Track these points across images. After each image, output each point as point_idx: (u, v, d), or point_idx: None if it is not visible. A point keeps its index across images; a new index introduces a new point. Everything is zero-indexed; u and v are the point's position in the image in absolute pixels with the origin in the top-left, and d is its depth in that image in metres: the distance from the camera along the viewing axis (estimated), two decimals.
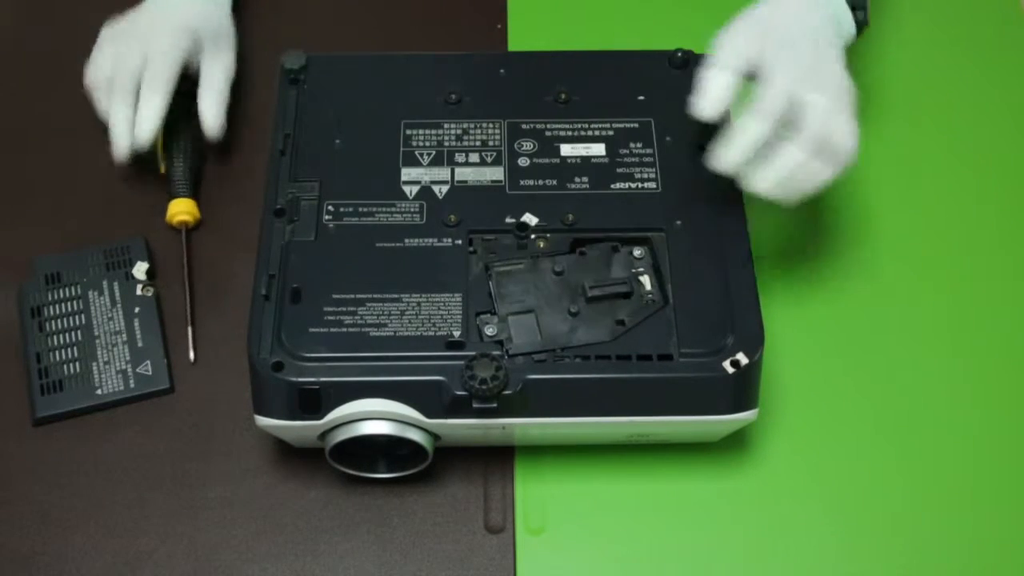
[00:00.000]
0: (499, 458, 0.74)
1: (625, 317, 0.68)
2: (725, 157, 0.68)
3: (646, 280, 0.70)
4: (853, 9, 0.75)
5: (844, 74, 0.70)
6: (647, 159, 0.75)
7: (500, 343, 0.67)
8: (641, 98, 0.77)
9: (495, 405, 0.65)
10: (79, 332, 0.78)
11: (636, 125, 0.76)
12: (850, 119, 0.68)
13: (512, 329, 0.67)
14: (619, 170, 0.74)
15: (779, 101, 0.67)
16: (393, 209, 0.72)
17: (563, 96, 0.77)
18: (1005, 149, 0.88)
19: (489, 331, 0.67)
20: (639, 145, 0.75)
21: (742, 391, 0.68)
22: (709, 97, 0.68)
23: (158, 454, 0.75)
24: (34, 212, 0.85)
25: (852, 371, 0.78)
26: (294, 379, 0.66)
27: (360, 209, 0.72)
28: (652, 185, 0.73)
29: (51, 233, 0.83)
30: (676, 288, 0.69)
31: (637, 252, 0.71)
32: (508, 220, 0.72)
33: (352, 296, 0.68)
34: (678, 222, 0.71)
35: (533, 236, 0.71)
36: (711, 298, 0.69)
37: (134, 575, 0.70)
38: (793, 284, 0.81)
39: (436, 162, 0.75)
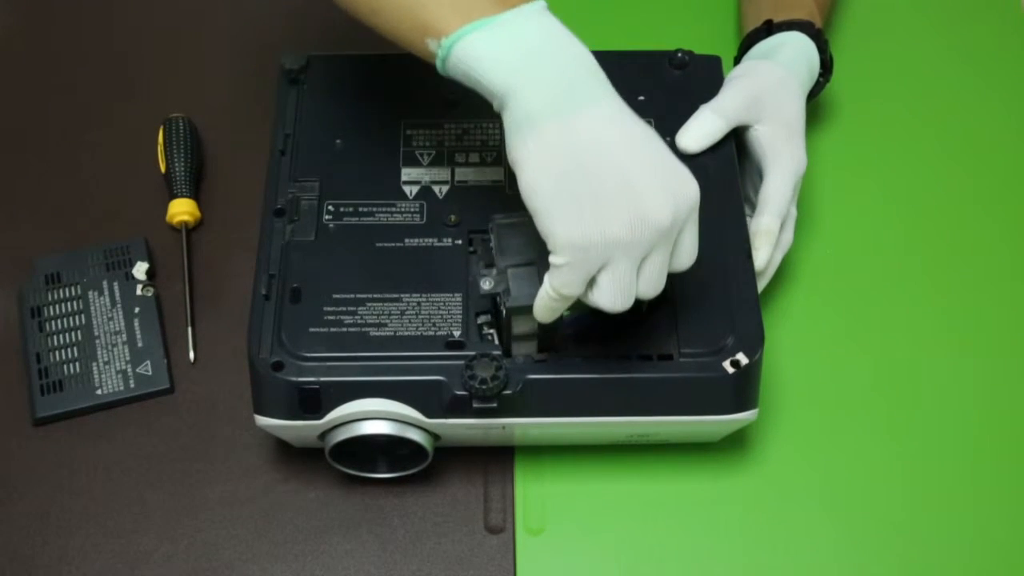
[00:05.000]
0: (499, 458, 0.74)
1: None
2: (765, 256, 0.74)
3: None
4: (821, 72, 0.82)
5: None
6: None
7: (497, 342, 0.67)
8: (641, 98, 0.77)
9: (495, 405, 0.65)
10: (79, 332, 0.78)
11: None
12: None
13: (511, 282, 0.65)
14: None
15: (786, 204, 0.75)
16: (393, 209, 0.72)
17: None
18: (1005, 149, 0.88)
19: (486, 285, 0.66)
20: None
21: (742, 391, 0.67)
22: (696, 135, 0.74)
23: (158, 454, 0.75)
24: (34, 212, 0.85)
25: (852, 371, 0.78)
26: (294, 379, 0.66)
27: (360, 209, 0.72)
28: None
29: (51, 233, 0.83)
30: (676, 288, 0.69)
31: None
32: None
33: (352, 296, 0.68)
34: None
35: None
36: (711, 298, 0.69)
37: (134, 575, 0.70)
38: (793, 284, 0.81)
39: (436, 162, 0.75)
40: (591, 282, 0.59)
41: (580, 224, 0.57)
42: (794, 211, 0.77)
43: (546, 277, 0.60)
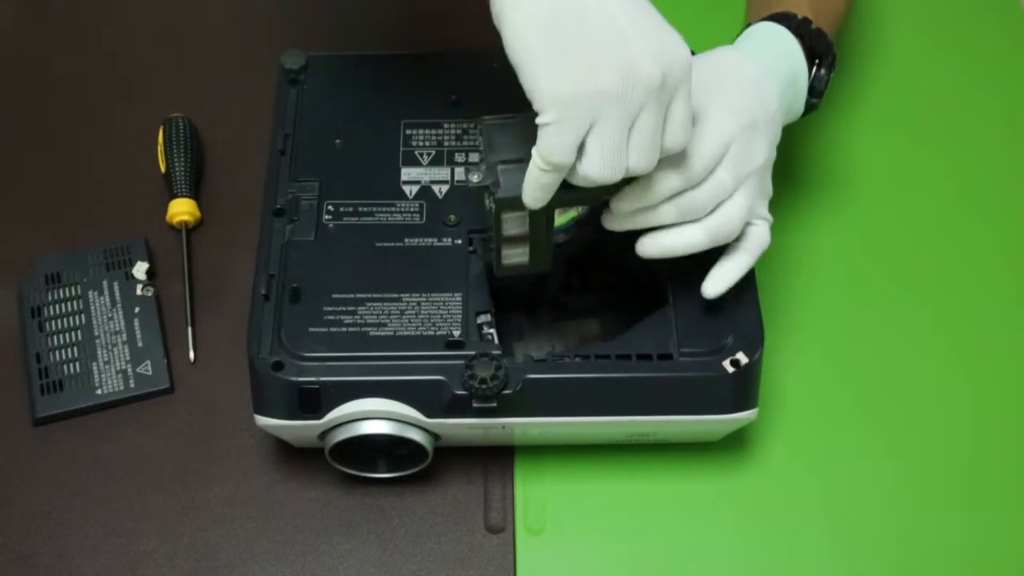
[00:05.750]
0: (499, 458, 0.74)
1: None
2: (624, 205, 0.64)
3: None
4: (811, 92, 0.71)
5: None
6: None
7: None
8: None
9: (495, 404, 0.65)
10: (79, 332, 0.78)
11: None
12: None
13: (501, 175, 0.62)
14: None
15: (704, 163, 0.64)
16: (393, 209, 0.72)
17: None
18: (1005, 150, 0.88)
19: (474, 177, 0.63)
20: None
21: (742, 391, 0.67)
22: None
23: (158, 454, 0.75)
24: (34, 212, 0.85)
25: (852, 371, 0.78)
26: (294, 379, 0.66)
27: (360, 209, 0.72)
28: None
29: (51, 233, 0.83)
30: (676, 288, 0.69)
31: None
32: None
33: (352, 296, 0.68)
34: None
35: None
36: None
37: (134, 575, 0.70)
38: (793, 283, 0.81)
39: (436, 162, 0.75)
40: (580, 152, 0.57)
41: (568, 76, 0.55)
42: (766, 215, 0.68)
43: (534, 150, 0.58)
